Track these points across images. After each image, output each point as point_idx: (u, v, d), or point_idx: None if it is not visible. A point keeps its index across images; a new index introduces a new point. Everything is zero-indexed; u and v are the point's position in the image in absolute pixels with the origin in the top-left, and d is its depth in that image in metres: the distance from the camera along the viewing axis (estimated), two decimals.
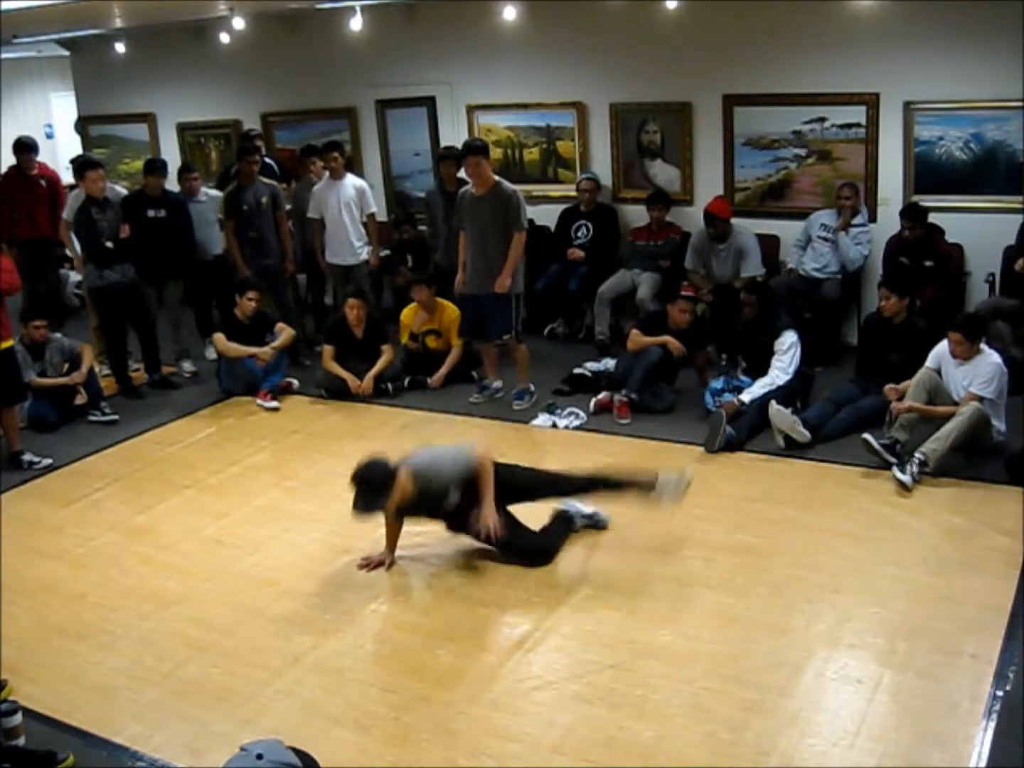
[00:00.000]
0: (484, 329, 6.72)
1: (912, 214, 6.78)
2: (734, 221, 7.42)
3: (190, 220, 7.78)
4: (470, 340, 7.02)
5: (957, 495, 5.16)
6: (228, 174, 8.76)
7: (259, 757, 2.01)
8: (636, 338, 6.62)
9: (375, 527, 5.12)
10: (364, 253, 7.98)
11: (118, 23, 9.34)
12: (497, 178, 6.54)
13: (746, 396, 6.08)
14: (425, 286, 7.26)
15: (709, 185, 7.85)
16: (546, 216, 8.32)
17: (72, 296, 9.71)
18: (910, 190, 7.17)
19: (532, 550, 4.67)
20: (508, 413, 6.70)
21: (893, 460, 5.34)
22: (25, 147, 8.70)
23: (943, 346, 5.60)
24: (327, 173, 7.93)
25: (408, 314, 7.42)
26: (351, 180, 7.96)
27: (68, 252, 8.23)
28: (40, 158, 9.14)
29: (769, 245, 7.56)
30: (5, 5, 6.47)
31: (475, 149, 6.48)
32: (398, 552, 4.81)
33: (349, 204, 7.84)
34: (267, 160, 8.61)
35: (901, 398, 5.58)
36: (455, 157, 7.63)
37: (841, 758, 3.33)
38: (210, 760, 3.39)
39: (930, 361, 5.63)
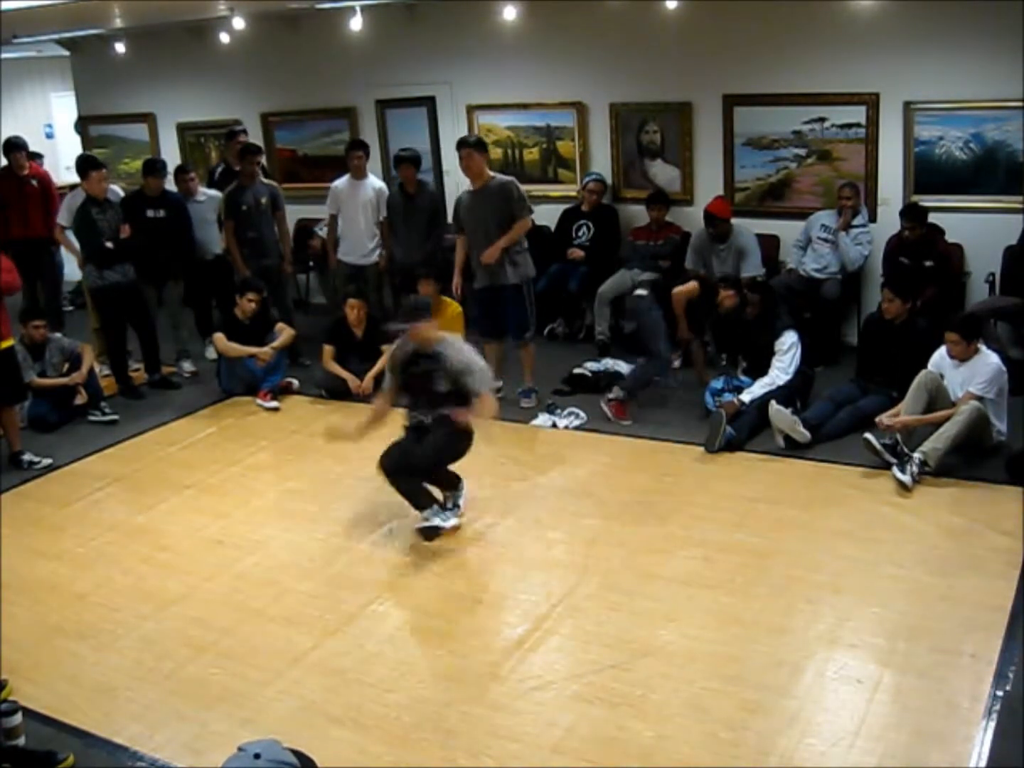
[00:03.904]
0: (502, 329, 6.73)
1: (912, 214, 6.78)
2: (734, 221, 7.40)
3: (189, 220, 7.78)
4: (488, 340, 6.96)
5: (957, 495, 5.16)
6: (213, 175, 8.78)
7: (257, 757, 2.01)
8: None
9: (375, 527, 5.14)
10: (375, 255, 7.98)
11: (118, 23, 9.33)
12: (492, 172, 6.59)
13: (746, 396, 6.08)
14: (433, 281, 7.26)
15: (709, 185, 7.85)
16: (546, 216, 8.31)
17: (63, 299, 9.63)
18: (910, 190, 7.17)
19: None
20: (508, 413, 6.68)
21: (893, 460, 5.34)
22: (15, 147, 8.69)
23: (942, 351, 5.60)
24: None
25: None
26: (371, 181, 7.96)
27: (65, 251, 8.20)
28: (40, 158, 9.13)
29: (769, 245, 7.56)
30: (5, 5, 6.46)
31: (466, 142, 6.54)
32: (398, 551, 4.82)
33: (366, 205, 7.84)
34: None
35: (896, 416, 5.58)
36: (412, 160, 7.72)
37: (841, 758, 3.33)
38: (210, 760, 3.40)
39: (931, 366, 5.63)
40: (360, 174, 7.88)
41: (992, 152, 6.87)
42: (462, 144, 6.55)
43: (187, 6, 8.09)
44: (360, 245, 7.91)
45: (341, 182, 7.96)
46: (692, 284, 6.76)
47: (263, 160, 8.20)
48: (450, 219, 7.26)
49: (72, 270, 9.21)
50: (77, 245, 7.51)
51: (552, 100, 8.40)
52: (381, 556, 4.89)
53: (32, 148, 9.29)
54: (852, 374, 6.36)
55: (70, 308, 9.64)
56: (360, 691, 3.85)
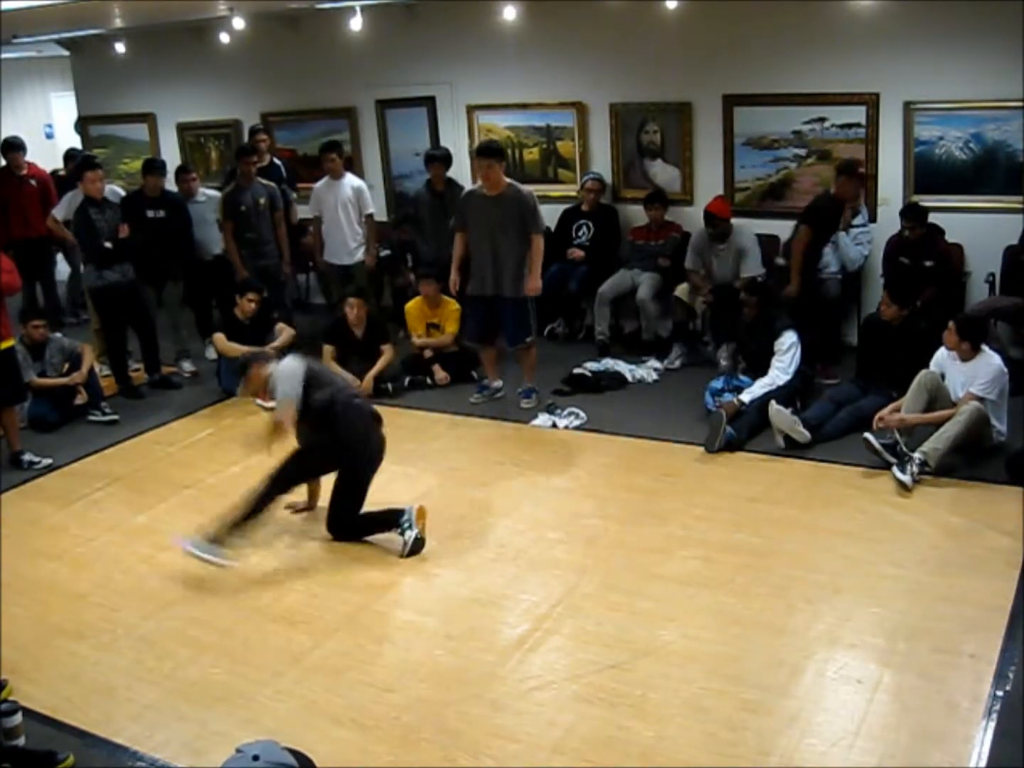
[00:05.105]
0: (496, 333, 6.71)
1: (912, 214, 6.77)
2: (734, 221, 7.41)
3: (189, 220, 7.78)
4: (481, 346, 6.92)
5: (957, 495, 5.16)
6: (234, 174, 8.77)
7: (255, 758, 2.00)
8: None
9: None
10: (360, 254, 7.98)
11: (118, 23, 9.34)
12: (509, 180, 6.50)
13: (746, 396, 6.08)
14: (433, 280, 7.30)
15: (709, 185, 7.85)
16: (546, 216, 8.26)
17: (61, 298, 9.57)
18: (910, 190, 7.17)
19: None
20: (508, 413, 6.69)
21: (893, 460, 5.34)
22: (13, 147, 8.68)
23: (943, 350, 5.60)
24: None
25: (414, 307, 7.44)
26: (349, 180, 7.97)
27: (67, 239, 8.05)
28: (40, 158, 9.11)
29: (769, 245, 7.55)
30: (5, 5, 6.46)
31: (489, 152, 6.44)
32: (398, 550, 4.84)
33: (346, 204, 7.86)
34: (275, 161, 8.62)
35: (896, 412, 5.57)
36: (443, 159, 7.75)
37: (841, 758, 3.33)
38: (210, 760, 3.40)
39: (932, 365, 5.64)
40: (337, 175, 7.89)
41: (992, 152, 6.86)
42: (485, 154, 6.41)
43: (187, 6, 8.10)
44: (343, 245, 7.93)
45: (320, 184, 8.00)
46: (806, 228, 6.69)
47: (258, 162, 8.18)
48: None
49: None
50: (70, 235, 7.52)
51: (552, 100, 8.40)
52: (381, 556, 4.88)
53: (32, 148, 9.25)
54: (852, 374, 6.36)
55: (74, 321, 9.23)
56: (360, 691, 3.84)
